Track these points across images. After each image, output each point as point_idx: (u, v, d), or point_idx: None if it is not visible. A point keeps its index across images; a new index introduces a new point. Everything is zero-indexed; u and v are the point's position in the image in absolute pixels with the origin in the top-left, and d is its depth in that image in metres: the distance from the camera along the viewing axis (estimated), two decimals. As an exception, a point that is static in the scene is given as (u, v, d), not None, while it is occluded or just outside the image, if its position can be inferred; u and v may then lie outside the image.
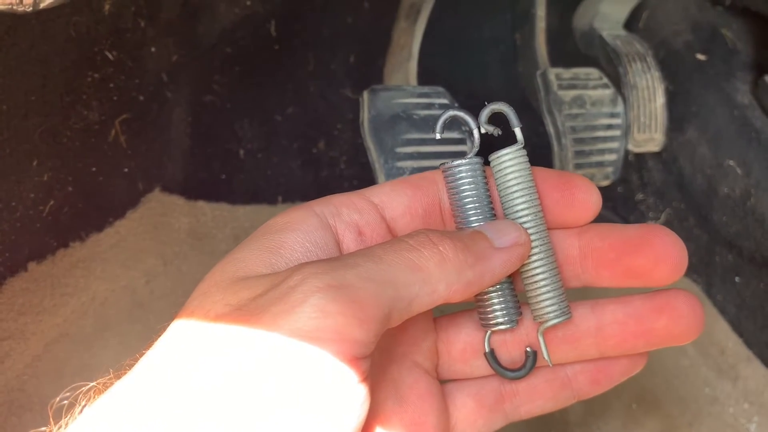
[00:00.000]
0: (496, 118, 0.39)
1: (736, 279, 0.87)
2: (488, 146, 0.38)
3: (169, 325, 0.32)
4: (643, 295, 0.37)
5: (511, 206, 0.37)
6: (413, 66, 0.85)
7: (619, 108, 0.89)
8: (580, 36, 0.97)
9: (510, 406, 0.39)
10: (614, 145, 0.88)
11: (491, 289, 0.37)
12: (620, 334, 0.37)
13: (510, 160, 0.37)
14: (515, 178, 0.37)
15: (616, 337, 0.37)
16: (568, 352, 0.38)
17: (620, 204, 1.01)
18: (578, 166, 0.86)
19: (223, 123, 0.89)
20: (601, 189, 0.98)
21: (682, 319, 0.37)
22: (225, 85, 0.88)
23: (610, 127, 0.88)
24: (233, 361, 0.28)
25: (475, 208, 0.37)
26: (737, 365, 0.88)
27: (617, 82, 0.89)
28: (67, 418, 0.30)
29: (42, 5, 0.37)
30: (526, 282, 0.38)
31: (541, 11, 0.94)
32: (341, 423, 0.28)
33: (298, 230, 0.34)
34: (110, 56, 0.73)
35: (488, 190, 0.38)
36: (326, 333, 0.28)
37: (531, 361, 0.38)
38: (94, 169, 0.73)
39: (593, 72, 0.90)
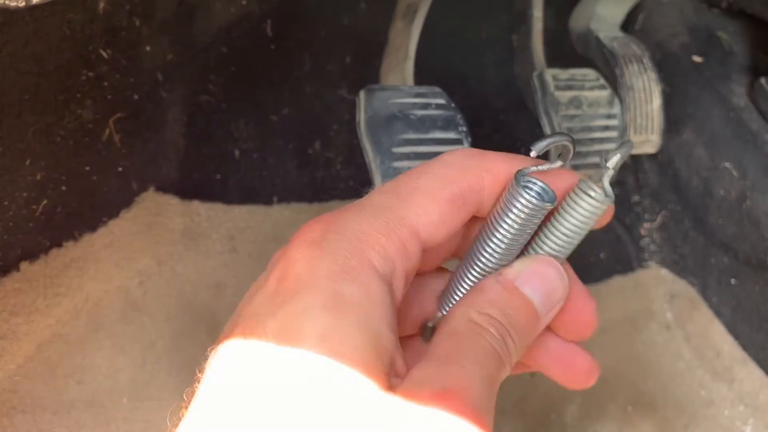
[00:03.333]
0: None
1: (732, 281, 0.87)
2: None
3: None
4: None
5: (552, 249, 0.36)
6: (410, 66, 0.85)
7: (616, 109, 0.89)
8: (577, 37, 0.97)
9: None
10: (611, 146, 0.88)
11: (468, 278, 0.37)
12: None
13: (591, 208, 0.35)
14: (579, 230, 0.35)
15: None
16: None
17: (616, 206, 1.01)
18: (575, 168, 0.86)
19: (218, 123, 0.88)
20: (597, 191, 0.99)
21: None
22: (220, 85, 0.88)
23: (606, 128, 0.88)
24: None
25: (511, 246, 0.35)
26: (733, 368, 0.88)
27: (614, 83, 0.90)
28: None
29: (35, 0, 0.37)
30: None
31: (538, 12, 0.94)
32: None
33: (355, 283, 0.31)
34: (105, 55, 0.73)
35: (537, 224, 0.35)
36: None
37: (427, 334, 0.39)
38: (87, 168, 0.73)
39: (590, 73, 0.90)
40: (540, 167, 0.34)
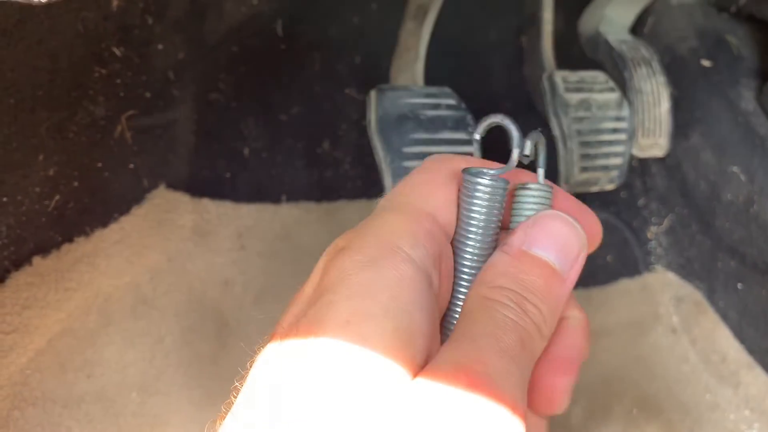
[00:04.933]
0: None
1: (739, 286, 0.87)
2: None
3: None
4: None
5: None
6: (420, 67, 0.85)
7: (625, 112, 0.89)
8: (586, 40, 0.98)
9: None
10: (620, 149, 0.88)
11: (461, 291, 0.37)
12: None
13: (534, 196, 0.36)
14: (530, 213, 0.36)
15: None
16: None
17: (623, 209, 1.01)
18: (584, 170, 0.86)
19: (228, 121, 0.89)
20: (605, 193, 0.99)
21: None
22: (231, 84, 0.88)
23: (615, 131, 0.88)
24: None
25: (483, 233, 0.36)
26: (739, 372, 0.88)
27: (623, 86, 0.90)
28: None
29: (56, -4, 0.37)
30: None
31: (548, 15, 0.94)
32: None
33: (394, 270, 0.31)
34: (117, 52, 0.73)
35: (502, 216, 0.37)
36: None
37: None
38: (99, 164, 0.73)
39: (599, 75, 0.91)
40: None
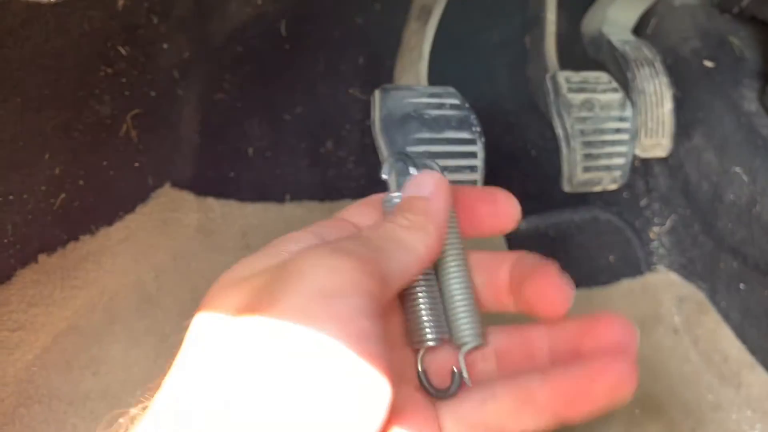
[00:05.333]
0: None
1: (741, 286, 0.87)
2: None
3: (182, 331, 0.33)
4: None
5: None
6: (423, 67, 0.86)
7: (628, 112, 0.89)
8: (589, 41, 0.98)
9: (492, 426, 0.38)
10: (622, 149, 0.88)
11: (422, 305, 0.38)
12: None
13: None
14: None
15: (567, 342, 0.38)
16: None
17: (625, 209, 1.02)
18: (586, 169, 0.87)
19: (232, 121, 0.89)
20: (607, 194, 0.99)
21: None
22: (235, 84, 0.89)
23: (618, 131, 0.88)
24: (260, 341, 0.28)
25: None
26: (741, 372, 0.88)
27: (626, 86, 0.90)
28: None
29: (66, -5, 0.38)
30: (449, 307, 0.39)
31: (551, 15, 0.94)
32: (378, 380, 0.28)
33: (292, 241, 0.35)
34: (123, 52, 0.74)
35: None
36: (345, 287, 0.29)
37: (456, 381, 0.38)
38: (105, 163, 0.74)
39: (602, 76, 0.91)
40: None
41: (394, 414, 0.34)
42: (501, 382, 0.38)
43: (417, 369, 0.38)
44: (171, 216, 0.81)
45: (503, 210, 0.41)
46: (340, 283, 0.29)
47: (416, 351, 0.39)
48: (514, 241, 0.92)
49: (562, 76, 0.88)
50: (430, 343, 0.38)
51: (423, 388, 0.38)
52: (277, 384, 0.27)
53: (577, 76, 0.90)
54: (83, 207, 0.71)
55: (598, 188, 0.89)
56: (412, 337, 0.39)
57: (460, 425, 0.38)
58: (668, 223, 0.98)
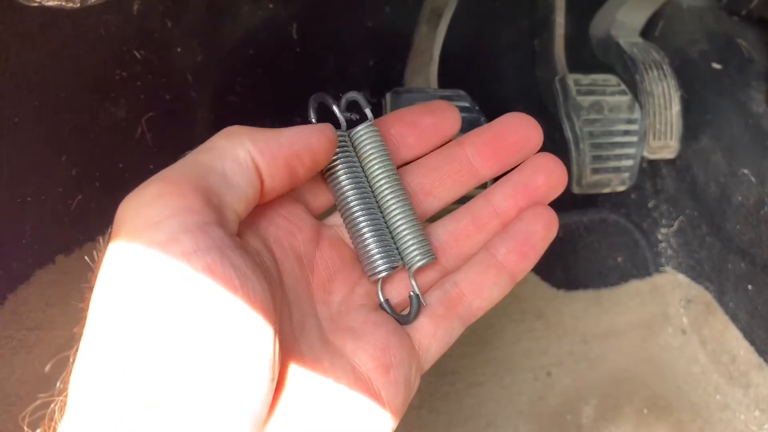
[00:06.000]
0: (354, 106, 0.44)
1: (749, 287, 0.88)
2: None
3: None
4: (517, 169, 0.44)
5: (371, 172, 0.42)
6: (434, 70, 0.86)
7: (636, 114, 0.90)
8: (597, 43, 0.98)
9: (462, 308, 0.41)
10: (631, 150, 0.89)
11: (368, 238, 0.40)
12: (513, 204, 0.43)
13: (365, 134, 0.42)
14: (370, 147, 0.42)
15: (510, 209, 0.43)
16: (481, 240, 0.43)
17: (633, 211, 1.02)
18: (595, 171, 0.87)
19: (245, 123, 0.90)
20: (616, 195, 1.00)
21: (554, 172, 0.44)
22: (247, 86, 0.90)
23: (627, 133, 0.89)
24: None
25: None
26: (749, 372, 0.89)
27: (634, 89, 0.90)
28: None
29: (90, 1, 0.39)
30: (393, 232, 0.41)
31: (560, 18, 0.94)
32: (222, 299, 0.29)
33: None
34: (138, 55, 0.75)
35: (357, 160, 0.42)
36: (164, 212, 0.29)
37: (415, 305, 0.41)
38: (120, 165, 0.75)
39: (611, 78, 0.91)
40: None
41: (356, 338, 0.37)
42: (462, 268, 0.42)
43: (379, 300, 0.40)
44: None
45: (443, 118, 0.43)
46: (157, 210, 0.29)
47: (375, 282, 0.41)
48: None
49: (571, 78, 0.89)
50: (383, 274, 0.40)
51: (390, 315, 0.40)
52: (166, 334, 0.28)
53: (585, 79, 0.90)
54: (99, 208, 0.72)
55: (606, 190, 0.90)
56: (365, 269, 0.40)
57: (431, 317, 0.40)
58: (676, 225, 0.99)
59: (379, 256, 0.40)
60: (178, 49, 0.79)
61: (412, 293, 0.41)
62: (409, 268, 0.41)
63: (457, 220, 0.43)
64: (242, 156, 0.33)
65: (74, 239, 0.71)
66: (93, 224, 0.72)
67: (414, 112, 0.44)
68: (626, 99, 0.90)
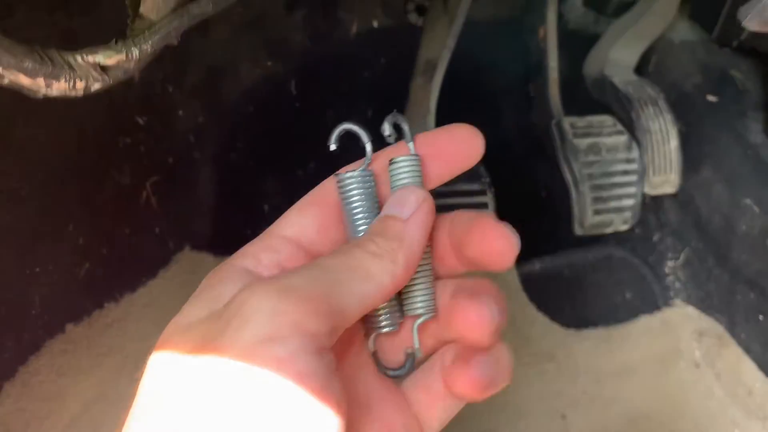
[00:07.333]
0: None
1: (760, 317, 0.87)
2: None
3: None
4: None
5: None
6: (431, 120, 0.87)
7: (634, 153, 0.90)
8: (592, 83, 0.99)
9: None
10: (631, 189, 0.89)
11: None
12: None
13: (401, 167, 0.39)
14: (403, 180, 0.39)
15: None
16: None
17: (638, 245, 1.02)
18: (597, 212, 0.87)
19: (247, 179, 0.91)
20: (619, 232, 0.99)
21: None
22: (248, 143, 0.91)
23: (626, 172, 0.89)
24: (206, 392, 0.28)
25: (365, 217, 0.38)
26: (766, 405, 0.87)
27: (630, 126, 0.91)
28: None
29: (93, 89, 0.40)
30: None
31: (553, 62, 0.95)
32: (322, 412, 0.28)
33: (229, 282, 0.34)
34: (140, 121, 0.76)
35: (378, 200, 0.40)
36: (284, 330, 0.29)
37: (410, 361, 0.39)
38: (127, 230, 0.76)
39: (607, 119, 0.92)
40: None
41: (363, 411, 0.36)
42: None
43: (370, 352, 0.39)
44: (192, 278, 0.82)
45: (466, 146, 0.40)
46: (279, 326, 0.29)
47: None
48: (528, 281, 0.93)
49: (567, 122, 0.90)
50: (387, 329, 0.38)
51: (377, 368, 0.39)
52: (224, 428, 0.27)
53: (581, 121, 0.91)
54: (107, 275, 0.73)
55: (609, 230, 0.90)
56: (366, 323, 0.39)
57: (429, 392, 0.39)
58: (682, 257, 0.98)
59: (383, 312, 0.38)
60: (180, 112, 0.81)
61: (408, 350, 0.39)
62: (414, 317, 0.39)
63: None
64: None
65: (83, 307, 0.71)
66: (101, 291, 0.73)
67: (436, 140, 0.41)
68: (623, 139, 0.90)
